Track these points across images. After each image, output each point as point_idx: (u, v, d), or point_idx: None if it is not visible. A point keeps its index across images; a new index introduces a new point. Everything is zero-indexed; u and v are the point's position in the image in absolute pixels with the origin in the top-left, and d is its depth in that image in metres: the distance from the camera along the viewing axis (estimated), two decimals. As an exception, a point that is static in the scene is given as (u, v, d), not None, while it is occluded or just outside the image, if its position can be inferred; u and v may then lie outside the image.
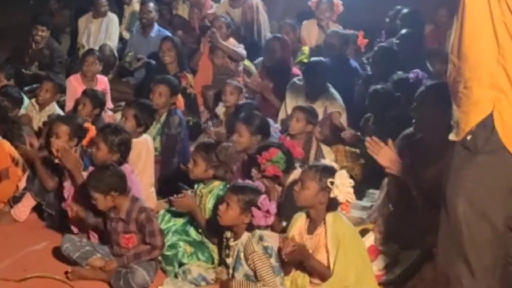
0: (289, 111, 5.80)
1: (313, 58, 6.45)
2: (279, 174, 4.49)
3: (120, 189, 4.20)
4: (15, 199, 5.18)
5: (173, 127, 5.59)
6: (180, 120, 5.64)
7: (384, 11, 7.76)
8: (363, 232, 4.17)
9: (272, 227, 4.17)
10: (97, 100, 5.95)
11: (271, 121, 5.38)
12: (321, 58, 6.29)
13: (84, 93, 6.03)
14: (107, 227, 4.36)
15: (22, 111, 6.39)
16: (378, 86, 5.65)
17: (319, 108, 5.68)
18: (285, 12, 8.32)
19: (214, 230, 4.35)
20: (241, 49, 7.10)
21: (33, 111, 6.43)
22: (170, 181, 5.26)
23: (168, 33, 7.81)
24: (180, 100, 5.92)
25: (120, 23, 8.65)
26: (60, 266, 4.40)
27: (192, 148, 5.59)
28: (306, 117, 5.29)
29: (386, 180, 4.43)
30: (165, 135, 5.58)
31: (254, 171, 4.51)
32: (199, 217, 4.50)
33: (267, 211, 3.93)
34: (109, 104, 6.86)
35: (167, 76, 6.24)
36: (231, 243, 4.04)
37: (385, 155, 4.02)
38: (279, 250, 3.84)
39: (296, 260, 3.84)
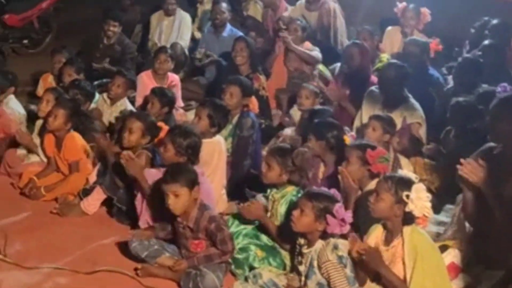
0: (365, 120, 5.84)
1: (390, 61, 6.46)
2: (386, 172, 4.48)
3: (195, 191, 4.30)
4: (85, 192, 5.36)
5: (245, 129, 5.67)
6: (252, 122, 5.72)
7: (471, 22, 7.69)
8: (442, 249, 4.15)
9: (346, 237, 4.21)
10: (165, 99, 6.08)
11: (346, 129, 5.41)
12: (397, 61, 6.27)
13: (152, 91, 6.17)
14: (175, 231, 4.47)
15: (93, 105, 6.58)
16: (461, 99, 5.61)
17: (397, 118, 5.68)
18: (364, 18, 8.33)
19: (286, 236, 4.41)
20: (316, 53, 7.15)
21: (103, 106, 6.60)
22: (241, 184, 5.34)
23: (241, 34, 7.92)
24: (254, 102, 6.01)
25: (193, 22, 8.79)
26: (129, 261, 4.55)
27: (264, 152, 5.72)
28: (383, 126, 5.30)
29: (460, 196, 4.41)
30: (237, 137, 5.66)
31: (340, 168, 4.53)
32: (268, 224, 4.57)
33: (343, 220, 3.98)
34: (180, 103, 7.00)
35: (240, 76, 6.35)
36: (304, 250, 4.10)
37: (477, 174, 3.99)
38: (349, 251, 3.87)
39: (369, 267, 3.86)
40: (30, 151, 5.98)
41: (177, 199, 4.24)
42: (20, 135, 5.90)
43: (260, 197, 4.94)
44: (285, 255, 4.48)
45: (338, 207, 3.98)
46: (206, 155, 5.05)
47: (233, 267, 4.42)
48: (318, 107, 6.03)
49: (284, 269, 4.42)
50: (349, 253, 3.90)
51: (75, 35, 9.56)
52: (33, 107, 6.93)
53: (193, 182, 4.28)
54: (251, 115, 5.79)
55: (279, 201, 4.63)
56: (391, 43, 7.69)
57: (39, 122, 6.14)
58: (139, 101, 6.85)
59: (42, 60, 8.58)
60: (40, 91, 7.23)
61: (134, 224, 4.88)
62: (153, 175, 4.87)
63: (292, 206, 4.38)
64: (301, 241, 4.14)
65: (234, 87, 5.82)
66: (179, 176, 4.26)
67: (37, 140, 6.03)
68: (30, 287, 4.31)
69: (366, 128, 5.41)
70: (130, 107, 6.53)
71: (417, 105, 5.95)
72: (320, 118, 5.37)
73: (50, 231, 5.01)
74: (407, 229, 3.83)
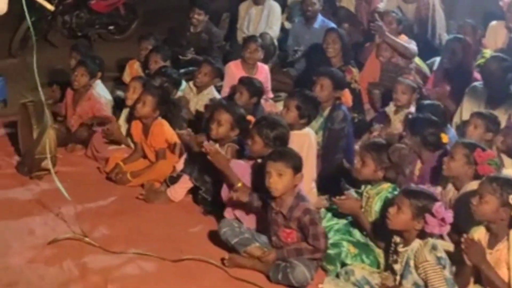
0: (465, 117, 5.73)
1: (493, 54, 6.31)
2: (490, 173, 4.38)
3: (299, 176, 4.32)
4: (172, 180, 5.42)
5: (336, 122, 5.63)
6: (344, 115, 5.67)
7: None
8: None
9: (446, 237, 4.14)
10: (254, 89, 6.11)
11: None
12: (501, 54, 6.13)
13: (241, 81, 6.21)
14: (268, 217, 4.48)
15: (179, 93, 6.67)
16: None
17: (502, 116, 5.53)
18: (466, 12, 8.14)
19: (381, 233, 4.36)
20: (412, 45, 7.05)
21: (190, 94, 6.69)
22: (332, 178, 5.30)
23: (333, 25, 7.88)
24: (347, 95, 5.95)
25: (282, 12, 8.79)
26: (216, 250, 4.59)
27: (356, 146, 5.66)
28: (486, 124, 5.18)
29: None
30: (328, 130, 5.62)
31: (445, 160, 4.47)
32: (363, 220, 4.52)
33: (442, 220, 3.90)
34: (269, 94, 7.02)
35: (331, 68, 6.31)
36: (400, 249, 4.03)
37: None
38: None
39: (473, 263, 3.77)
40: (119, 143, 6.12)
41: (280, 178, 4.27)
42: (110, 131, 6.04)
43: (352, 192, 4.89)
44: (379, 253, 4.42)
45: (438, 206, 3.90)
46: (295, 147, 5.00)
47: (324, 262, 4.38)
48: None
49: (378, 267, 4.36)
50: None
51: (161, 22, 9.76)
52: (119, 92, 7.10)
53: (298, 167, 4.31)
54: (343, 108, 5.75)
55: (374, 198, 4.57)
56: (495, 38, 7.49)
57: (126, 110, 6.27)
58: (226, 91, 6.91)
59: (127, 46, 8.83)
60: (126, 77, 7.40)
61: (219, 215, 4.90)
62: (240, 166, 4.89)
63: (387, 203, 4.32)
64: (397, 239, 4.08)
65: (325, 79, 5.79)
66: (286, 156, 4.32)
67: (124, 126, 6.16)
68: (115, 270, 4.39)
69: (467, 125, 5.30)
70: (217, 95, 6.60)
71: (524, 102, 5.81)
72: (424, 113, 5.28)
73: (136, 216, 5.10)
74: (514, 233, 3.73)
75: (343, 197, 4.55)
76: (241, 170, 4.84)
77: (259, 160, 4.75)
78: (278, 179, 4.27)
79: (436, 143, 4.90)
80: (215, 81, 6.75)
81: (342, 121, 5.64)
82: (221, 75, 6.94)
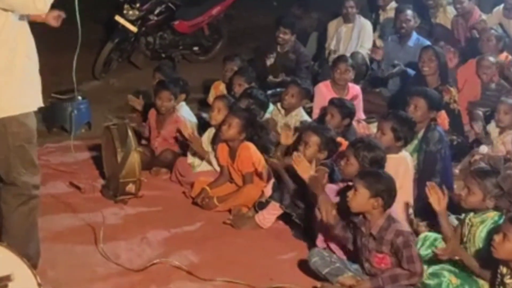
0: None
1: None
2: None
3: (386, 201, 4.33)
4: (260, 205, 5.48)
5: (432, 144, 5.57)
6: (440, 136, 5.61)
7: None
8: None
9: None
10: (345, 110, 6.13)
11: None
12: None
13: (331, 102, 6.24)
14: (357, 243, 4.49)
15: (267, 115, 6.75)
16: None
17: None
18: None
19: (485, 263, 4.28)
20: None
21: (278, 116, 6.76)
22: (429, 202, 5.25)
23: (428, 43, 7.84)
24: (443, 117, 5.91)
25: (374, 30, 8.82)
26: (307, 279, 4.60)
27: (456, 170, 5.60)
28: None
29: None
30: (423, 152, 5.58)
31: None
32: (468, 261, 4.37)
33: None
34: (361, 115, 7.02)
35: (426, 88, 6.28)
36: (507, 280, 3.97)
37: None
38: None
39: None
40: (201, 158, 6.22)
41: (354, 195, 4.38)
42: (193, 139, 6.14)
43: (452, 219, 4.83)
44: (483, 284, 4.33)
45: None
46: (390, 172, 5.00)
47: (423, 293, 4.34)
48: None
49: (482, 299, 4.29)
50: None
51: (246, 42, 9.93)
52: (204, 115, 7.22)
53: (377, 191, 4.33)
54: (439, 129, 5.70)
55: (478, 226, 4.48)
56: None
57: (210, 130, 6.38)
58: (316, 112, 6.95)
59: (212, 67, 8.98)
60: (211, 99, 7.52)
61: (311, 242, 4.92)
62: (333, 191, 4.92)
63: (493, 231, 4.24)
64: (503, 270, 4.01)
65: (419, 98, 5.77)
66: (367, 176, 4.41)
67: (208, 148, 6.27)
68: (203, 298, 4.47)
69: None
70: (306, 117, 6.64)
71: None
72: None
73: (224, 242, 5.17)
74: None
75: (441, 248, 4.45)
76: (332, 194, 4.89)
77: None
78: (353, 194, 4.37)
79: None
80: (303, 103, 6.79)
81: (438, 143, 5.59)
82: (309, 96, 7.00)
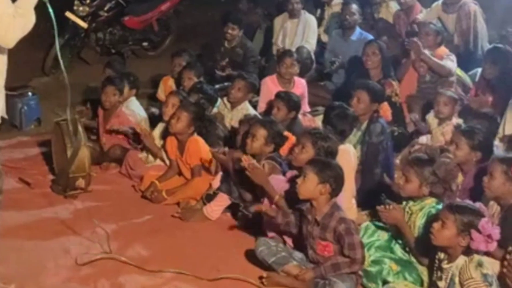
0: (508, 130, 5.72)
1: None
2: None
3: (334, 188, 4.39)
4: (208, 197, 5.48)
5: (374, 135, 5.65)
6: (382, 128, 5.70)
7: None
8: None
9: (491, 255, 4.11)
10: (291, 104, 6.16)
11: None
12: None
13: (278, 96, 6.26)
14: (302, 231, 4.53)
15: (215, 109, 6.74)
16: None
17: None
18: (505, 21, 8.12)
19: (424, 249, 4.35)
20: (449, 63, 7.02)
21: (224, 110, 6.76)
22: (372, 193, 5.31)
23: (371, 37, 7.91)
24: (386, 109, 5.96)
25: (319, 25, 8.85)
26: (253, 269, 4.63)
27: (397, 160, 5.67)
28: None
29: None
30: (366, 144, 5.66)
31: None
32: (408, 233, 4.52)
33: (489, 236, 3.89)
34: (306, 108, 7.07)
35: (369, 81, 6.35)
36: (444, 265, 4.03)
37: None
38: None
39: None
40: (152, 153, 6.19)
41: (304, 181, 4.42)
42: (144, 134, 6.11)
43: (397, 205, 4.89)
44: (422, 270, 4.41)
45: (485, 222, 3.90)
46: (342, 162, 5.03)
47: (365, 280, 4.40)
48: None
49: (421, 285, 4.35)
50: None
51: (195, 38, 9.89)
52: (153, 109, 7.20)
53: (326, 177, 4.38)
54: (381, 121, 5.78)
55: (417, 213, 4.56)
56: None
57: (160, 125, 6.36)
58: (262, 106, 6.96)
59: (161, 62, 8.92)
60: (160, 94, 7.51)
61: (258, 232, 4.94)
62: (279, 181, 4.95)
63: (431, 218, 4.32)
64: (441, 255, 4.08)
65: (361, 91, 5.85)
66: (317, 163, 4.47)
67: (159, 143, 6.24)
68: (152, 290, 4.45)
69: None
70: (252, 111, 6.63)
71: None
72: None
73: (172, 235, 5.16)
74: None
75: (388, 207, 4.54)
76: (280, 185, 4.92)
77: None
78: (302, 180, 4.41)
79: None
80: (249, 96, 6.79)
81: (380, 135, 5.66)
82: (255, 90, 7.00)
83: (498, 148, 5.46)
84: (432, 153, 4.75)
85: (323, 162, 4.52)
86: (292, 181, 4.75)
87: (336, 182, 4.42)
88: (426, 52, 7.02)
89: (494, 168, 4.46)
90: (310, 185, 4.40)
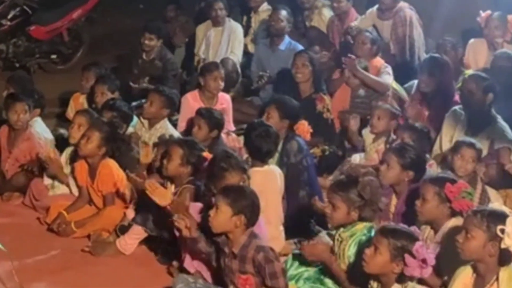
0: (445, 145, 5.91)
1: (471, 73, 6.49)
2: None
3: (249, 219, 4.42)
4: (122, 229, 5.45)
5: (292, 155, 5.74)
6: (299, 146, 5.78)
7: None
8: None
9: (427, 282, 4.22)
10: (213, 121, 6.21)
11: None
12: (480, 73, 6.32)
13: (199, 113, 6.29)
14: (220, 264, 4.57)
15: (131, 129, 6.69)
16: None
17: (483, 142, 5.72)
18: (443, 29, 8.33)
19: (356, 279, 4.43)
20: (385, 77, 7.19)
21: (141, 129, 6.69)
22: (300, 219, 5.39)
23: (301, 47, 8.01)
24: (303, 128, 5.99)
25: (246, 34, 8.92)
26: (172, 308, 4.63)
27: (328, 182, 5.77)
28: (477, 155, 5.34)
29: None
30: (285, 166, 5.73)
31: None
32: (336, 270, 4.58)
33: (423, 261, 3.98)
34: (231, 126, 7.13)
35: (281, 96, 6.41)
36: (377, 295, 4.12)
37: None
38: None
39: None
40: (59, 180, 6.15)
41: (216, 214, 4.41)
42: (49, 160, 6.05)
43: (324, 235, 4.98)
44: (351, 300, 4.50)
45: (419, 246, 3.99)
46: (257, 186, 5.06)
47: (292, 313, 4.47)
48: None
49: (354, 316, 4.44)
50: None
51: (110, 49, 9.84)
52: (62, 131, 7.12)
53: (240, 208, 4.38)
54: (297, 138, 5.86)
55: (348, 241, 4.63)
56: (475, 57, 7.66)
57: (69, 149, 6.31)
58: (182, 126, 6.98)
59: (72, 77, 8.80)
60: (70, 113, 7.40)
61: (179, 266, 4.98)
62: (198, 209, 4.97)
63: (362, 246, 4.40)
64: (374, 284, 4.16)
65: (271, 107, 6.00)
66: (229, 192, 4.45)
67: (67, 169, 6.19)
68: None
69: (453, 154, 5.41)
70: (172, 130, 6.62)
71: (507, 127, 5.98)
72: None
73: (82, 272, 5.14)
74: (504, 272, 3.83)
75: (310, 242, 4.61)
76: (198, 213, 4.94)
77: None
78: (215, 213, 4.41)
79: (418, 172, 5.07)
80: (164, 113, 6.66)
81: (298, 153, 5.75)
82: (171, 106, 6.80)
83: (432, 166, 5.60)
84: (355, 174, 4.85)
85: (236, 190, 4.53)
86: (207, 210, 4.76)
87: (251, 211, 4.44)
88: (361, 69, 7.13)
89: (426, 190, 4.60)
90: (224, 218, 4.40)
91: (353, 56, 7.19)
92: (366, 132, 6.41)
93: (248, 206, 4.42)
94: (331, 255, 4.64)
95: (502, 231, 3.76)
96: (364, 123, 6.62)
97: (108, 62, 8.48)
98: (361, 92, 7.18)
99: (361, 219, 4.67)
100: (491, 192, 5.36)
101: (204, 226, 4.74)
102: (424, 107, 6.64)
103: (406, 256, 3.96)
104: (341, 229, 4.71)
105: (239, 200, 4.41)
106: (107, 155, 5.84)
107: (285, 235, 5.40)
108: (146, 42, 8.20)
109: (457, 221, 4.44)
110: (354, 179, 4.71)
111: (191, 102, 7.09)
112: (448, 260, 4.19)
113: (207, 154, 5.41)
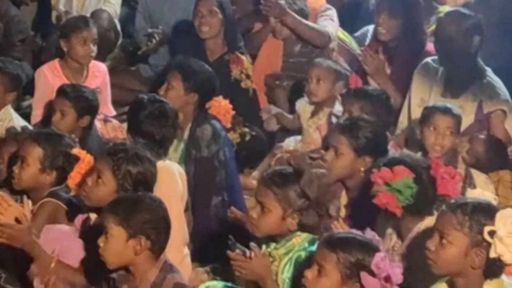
0: (415, 113, 6.02)
1: (448, 11, 6.65)
2: (396, 211, 4.60)
3: (155, 241, 4.40)
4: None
5: (203, 146, 5.81)
6: (214, 132, 5.85)
7: None
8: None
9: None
10: (83, 104, 6.23)
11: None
12: (461, 9, 6.47)
13: (62, 92, 6.29)
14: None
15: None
16: None
17: (469, 104, 5.88)
18: None
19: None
20: (327, 24, 7.26)
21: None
22: (212, 237, 5.42)
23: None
24: (218, 104, 6.08)
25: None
26: None
27: (253, 181, 5.81)
28: (455, 125, 5.46)
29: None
30: (193, 161, 5.81)
31: None
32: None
33: (387, 278, 4.04)
34: (109, 110, 7.15)
35: (190, 59, 6.40)
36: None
37: None
38: None
39: None
40: None
41: (106, 240, 4.37)
42: None
43: (255, 245, 4.99)
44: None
45: (380, 259, 4.01)
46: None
47: None
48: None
49: None
50: None
51: None
52: None
53: (137, 228, 4.34)
54: (211, 121, 5.92)
55: (282, 260, 4.68)
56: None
57: None
58: (37, 114, 6.99)
59: None
60: None
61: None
62: (63, 236, 4.97)
63: (302, 266, 4.43)
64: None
65: (172, 75, 6.07)
66: (119, 208, 4.40)
67: None
68: None
69: (422, 126, 5.51)
70: (19, 121, 6.61)
71: (499, 83, 6.11)
72: None
73: None
74: (488, 286, 3.90)
75: (248, 253, 4.61)
76: (64, 239, 4.92)
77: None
78: (105, 241, 4.36)
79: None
80: (9, 97, 6.66)
81: (213, 143, 5.82)
82: (19, 86, 6.83)
83: (398, 147, 5.67)
84: (298, 163, 4.86)
85: (129, 203, 4.48)
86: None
87: (156, 229, 4.41)
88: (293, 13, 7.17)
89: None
90: (116, 245, 4.35)
91: None
92: (301, 104, 6.46)
93: (148, 222, 4.39)
94: (271, 270, 4.65)
95: (492, 233, 3.81)
96: (301, 90, 6.68)
97: None
98: (296, 48, 7.26)
99: (302, 227, 4.71)
100: (477, 176, 5.46)
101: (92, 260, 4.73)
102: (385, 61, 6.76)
103: (363, 274, 4.00)
104: (273, 245, 4.74)
105: (133, 216, 4.39)
106: None
107: (193, 260, 5.43)
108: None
109: (431, 222, 4.50)
110: (296, 171, 4.72)
111: (50, 77, 7.07)
112: (417, 276, 4.25)
113: (78, 151, 5.39)
